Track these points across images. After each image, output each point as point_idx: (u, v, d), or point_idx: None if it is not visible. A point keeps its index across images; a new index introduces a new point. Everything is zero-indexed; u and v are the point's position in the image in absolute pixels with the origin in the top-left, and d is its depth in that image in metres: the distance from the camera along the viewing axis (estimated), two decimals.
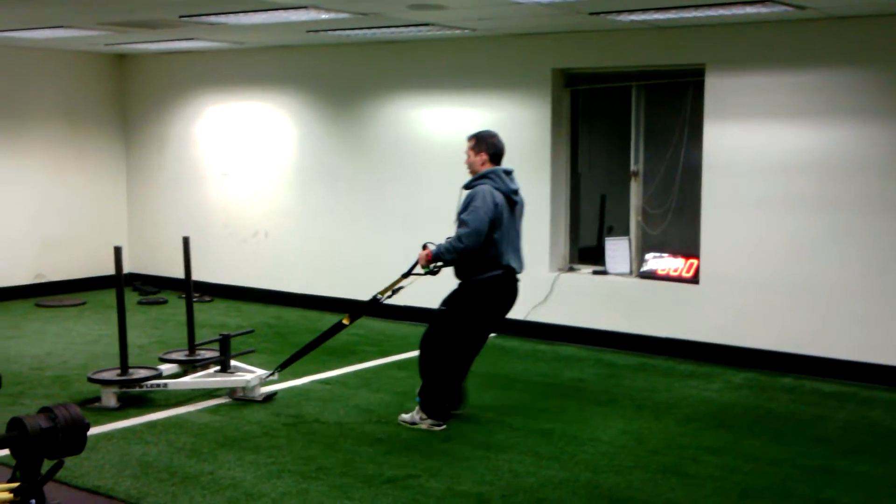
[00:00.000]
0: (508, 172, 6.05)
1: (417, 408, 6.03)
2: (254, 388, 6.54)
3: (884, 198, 7.11)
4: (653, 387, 7.16)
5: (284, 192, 10.37)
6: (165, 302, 10.52)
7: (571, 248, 8.95)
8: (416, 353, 8.15)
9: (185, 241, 7.21)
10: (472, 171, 6.08)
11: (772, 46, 7.52)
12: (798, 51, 7.43)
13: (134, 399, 6.54)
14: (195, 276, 7.63)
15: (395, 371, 7.63)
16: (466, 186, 6.03)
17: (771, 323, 7.69)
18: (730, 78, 7.71)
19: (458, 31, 8.41)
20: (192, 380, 6.71)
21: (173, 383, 6.62)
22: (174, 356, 7.10)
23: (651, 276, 8.36)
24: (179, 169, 11.17)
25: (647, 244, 8.57)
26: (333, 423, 6.11)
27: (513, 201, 5.99)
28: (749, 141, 7.66)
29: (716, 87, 7.78)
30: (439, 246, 5.90)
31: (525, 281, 8.82)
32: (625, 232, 8.65)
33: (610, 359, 8.02)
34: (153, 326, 9.22)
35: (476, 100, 9.00)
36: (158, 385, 6.53)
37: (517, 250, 6.08)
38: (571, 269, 8.85)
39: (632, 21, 7.41)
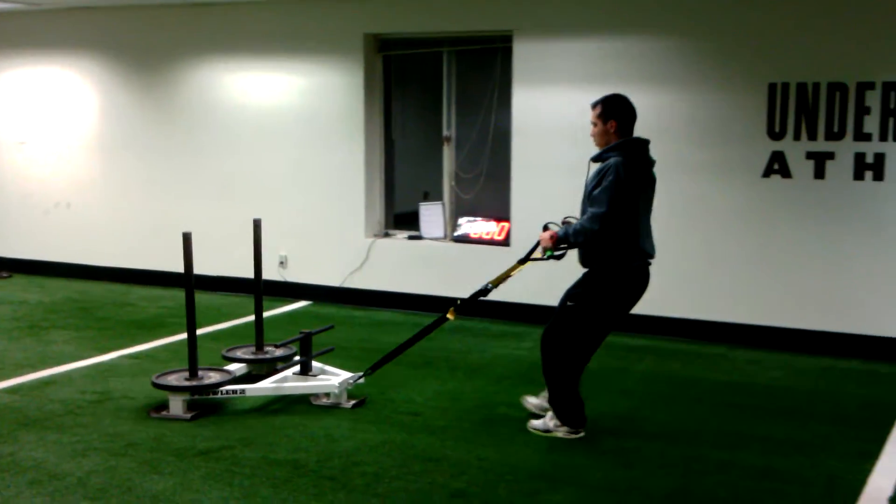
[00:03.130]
0: (646, 142, 5.23)
1: (551, 413, 5.30)
2: (341, 392, 5.78)
3: (683, 162, 7.46)
4: (467, 348, 7.30)
5: (88, 162, 9.92)
6: None
7: (387, 213, 8.98)
8: (229, 323, 8.11)
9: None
10: (601, 143, 5.18)
11: (578, 13, 7.73)
12: (602, 18, 7.66)
13: None
14: None
15: (207, 342, 7.42)
16: (596, 158, 5.19)
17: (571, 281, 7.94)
18: (537, 44, 7.87)
19: None
20: (273, 385, 5.83)
21: (252, 389, 5.77)
22: (240, 353, 6.31)
23: (465, 239, 8.49)
24: None
25: (461, 208, 8.69)
26: (143, 398, 5.92)
27: (650, 177, 5.21)
28: (556, 106, 7.86)
29: (523, 53, 7.93)
30: (566, 227, 5.13)
31: (340, 247, 8.86)
32: (439, 197, 8.74)
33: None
34: None
35: (288, 65, 8.85)
36: (235, 392, 5.69)
37: (650, 233, 5.24)
38: (387, 235, 8.88)
39: None
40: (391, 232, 8.92)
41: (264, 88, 8.99)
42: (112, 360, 6.87)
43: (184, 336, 7.60)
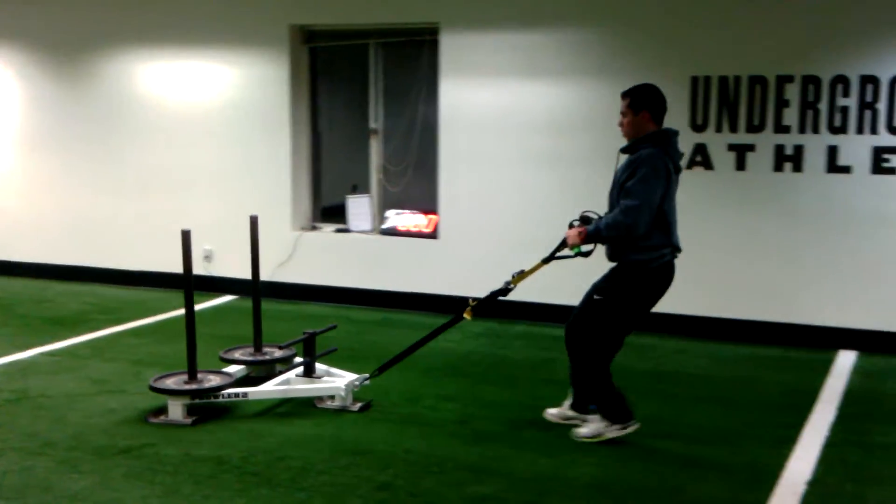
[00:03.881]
0: (677, 133, 5.05)
1: (596, 416, 5.06)
2: (347, 395, 5.56)
3: (607, 153, 7.50)
4: (396, 341, 7.23)
5: (3, 155, 9.65)
6: None
7: (314, 206, 8.91)
8: (155, 318, 7.97)
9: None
10: (631, 134, 4.97)
11: (504, 5, 7.74)
12: (528, 11, 7.68)
13: None
14: None
15: (130, 339, 7.32)
16: (627, 149, 5.00)
17: (507, 274, 7.96)
18: (464, 36, 7.87)
19: None
20: (276, 388, 5.63)
21: (255, 392, 5.54)
22: (238, 355, 6.09)
23: (392, 232, 8.46)
24: None
25: (389, 201, 8.66)
26: (62, 396, 5.78)
27: (678, 168, 4.98)
28: (484, 98, 7.87)
29: (450, 46, 7.92)
30: (597, 222, 4.89)
31: (267, 240, 8.71)
32: (367, 190, 8.69)
33: (355, 315, 8.08)
34: None
35: (212, 56, 8.73)
36: (237, 395, 5.46)
37: (676, 226, 5.02)
38: (314, 228, 8.82)
39: None
40: (318, 225, 8.85)
41: (188, 80, 8.84)
42: (30, 357, 6.70)
43: (108, 332, 7.51)
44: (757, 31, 7.02)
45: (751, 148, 7.09)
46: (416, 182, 8.57)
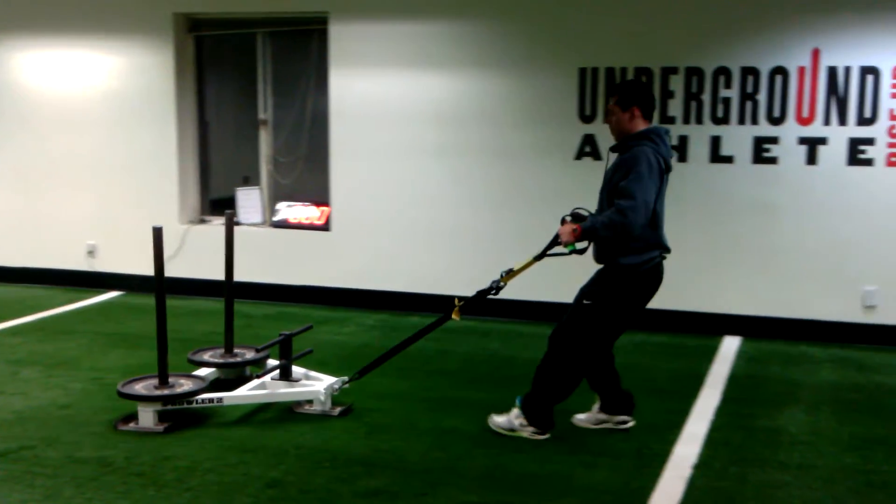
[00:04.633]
0: (668, 131, 4.89)
1: (517, 411, 4.97)
2: (326, 399, 5.32)
3: (495, 145, 7.57)
4: None
5: None
6: None
7: (202, 199, 8.71)
8: (34, 316, 7.68)
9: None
10: (620, 132, 4.83)
11: None
12: (418, 1, 7.65)
13: None
14: None
15: (8, 338, 7.04)
16: (617, 148, 4.87)
17: (399, 266, 7.97)
18: (352, 26, 7.79)
19: None
20: (253, 392, 5.34)
21: (230, 398, 5.25)
22: (207, 357, 5.84)
23: (284, 225, 8.34)
24: None
25: (280, 193, 8.53)
26: None
27: (669, 167, 4.84)
28: (375, 89, 7.81)
29: (339, 36, 7.84)
30: (593, 220, 4.72)
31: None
32: (257, 181, 8.55)
33: (246, 310, 7.92)
34: None
35: (94, 44, 8.46)
36: (211, 400, 5.17)
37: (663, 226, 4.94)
38: (203, 221, 8.63)
39: None
40: (207, 218, 8.67)
41: (69, 69, 8.55)
42: None
43: None
44: (642, 23, 7.13)
45: None
46: (307, 174, 8.46)
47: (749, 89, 6.95)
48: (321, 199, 8.25)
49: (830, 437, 5.03)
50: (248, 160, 8.67)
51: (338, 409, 5.34)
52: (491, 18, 7.49)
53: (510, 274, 5.15)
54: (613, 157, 4.91)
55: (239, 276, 8.28)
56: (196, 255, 8.41)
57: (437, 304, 7.77)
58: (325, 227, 8.18)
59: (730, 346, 6.92)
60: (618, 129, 4.84)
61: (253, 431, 5.07)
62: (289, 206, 8.41)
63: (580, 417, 5.21)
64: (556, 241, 4.93)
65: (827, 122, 6.83)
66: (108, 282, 8.67)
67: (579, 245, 4.84)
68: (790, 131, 6.91)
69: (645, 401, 5.59)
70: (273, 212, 8.46)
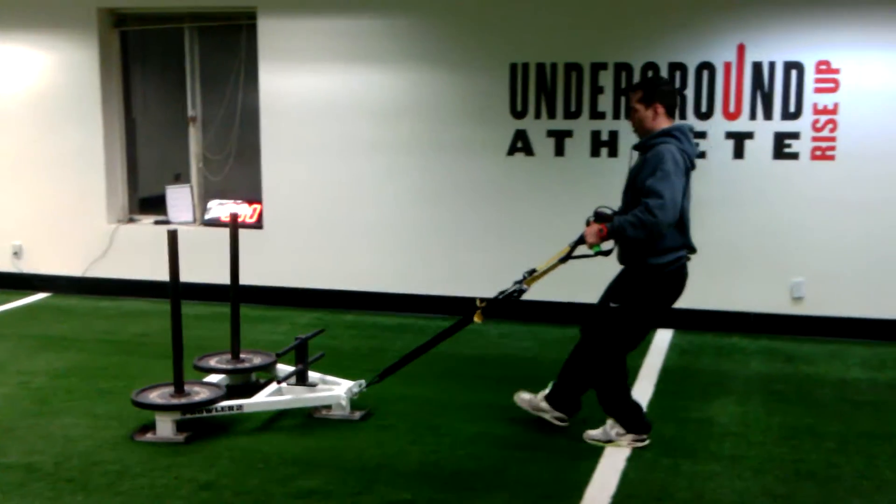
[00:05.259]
0: (692, 129, 4.78)
1: (611, 422, 4.81)
2: (347, 403, 5.19)
3: (429, 141, 7.56)
4: (221, 335, 7.04)
5: None
6: None
7: (131, 197, 8.56)
8: None
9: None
10: (643, 129, 4.72)
11: None
12: None
13: None
14: None
15: None
16: (641, 146, 4.74)
17: (334, 263, 7.92)
18: (282, 21, 7.72)
19: None
20: (275, 399, 5.20)
21: (251, 405, 5.09)
22: (214, 363, 5.63)
23: (215, 223, 8.23)
24: None
25: (210, 191, 8.42)
26: None
27: (694, 165, 4.69)
28: (305, 85, 7.75)
29: (268, 31, 7.75)
30: (620, 220, 4.56)
31: (80, 234, 8.37)
32: (187, 179, 8.43)
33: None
34: None
35: (15, 39, 8.25)
36: (231, 408, 5.00)
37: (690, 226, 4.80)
38: (132, 220, 8.48)
39: None
40: (136, 217, 8.52)
41: None
42: None
43: None
44: (572, 19, 7.17)
45: (569, 134, 7.26)
46: (238, 171, 8.36)
47: (677, 84, 7.03)
48: (253, 196, 8.16)
49: (760, 427, 5.12)
50: (177, 158, 8.53)
51: (358, 414, 5.22)
52: (422, 14, 7.47)
53: (533, 276, 5.02)
54: (635, 155, 4.80)
55: (168, 276, 8.20)
56: (125, 254, 8.27)
57: (373, 302, 7.77)
58: (258, 225, 8.09)
59: (662, 338, 7.01)
60: (641, 126, 4.73)
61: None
62: (220, 203, 8.30)
63: (523, 397, 5.18)
64: (580, 242, 4.82)
65: (753, 116, 6.94)
66: (35, 283, 8.47)
67: (605, 246, 4.71)
68: (717, 126, 7.01)
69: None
70: (204, 210, 8.34)
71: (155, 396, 5.02)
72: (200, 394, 5.07)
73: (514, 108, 7.33)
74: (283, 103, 7.80)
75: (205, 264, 8.12)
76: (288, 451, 4.75)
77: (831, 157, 6.85)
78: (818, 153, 6.87)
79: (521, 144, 7.37)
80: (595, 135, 7.21)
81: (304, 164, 7.83)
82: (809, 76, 6.83)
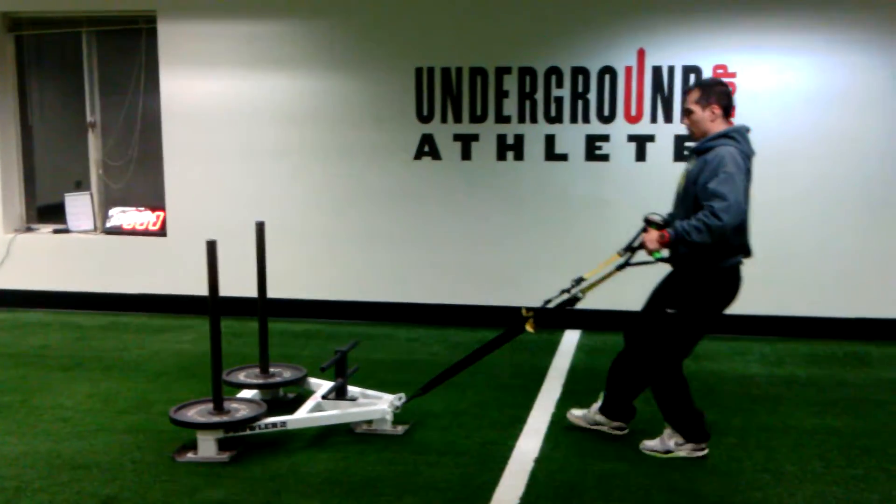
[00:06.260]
0: (749, 131, 4.62)
1: (669, 431, 4.73)
2: (385, 418, 5.03)
3: (336, 145, 7.52)
4: (123, 345, 6.94)
5: None
6: None
7: (28, 206, 8.32)
8: None
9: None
10: (700, 131, 4.58)
11: None
12: (252, 1, 7.52)
13: None
14: None
15: None
16: (698, 150, 4.57)
17: (241, 269, 7.79)
18: (183, 25, 7.60)
19: None
20: (321, 414, 5.01)
21: (294, 421, 4.88)
22: (243, 377, 5.42)
23: (117, 231, 8.06)
24: None
25: (111, 198, 8.23)
26: None
27: (750, 168, 4.56)
28: (207, 89, 7.64)
29: (169, 34, 7.62)
30: (683, 225, 4.38)
31: None
32: (86, 186, 8.22)
33: (78, 321, 7.64)
34: None
35: None
36: (275, 425, 4.80)
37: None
38: (29, 230, 8.24)
39: None
40: (34, 226, 8.28)
41: None
42: None
43: None
44: (476, 23, 7.22)
45: (475, 138, 7.30)
46: (140, 177, 8.20)
47: (580, 89, 7.13)
48: (156, 203, 8.00)
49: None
50: (77, 165, 8.32)
51: (401, 428, 5.07)
52: (326, 18, 7.44)
53: (590, 284, 4.88)
54: (692, 158, 4.65)
55: (70, 286, 8.02)
56: (23, 265, 8.04)
57: (280, 308, 7.68)
58: (162, 233, 7.93)
59: (570, 339, 7.09)
60: (697, 128, 4.61)
61: (83, 447, 4.85)
62: (122, 211, 8.12)
63: (576, 413, 5.11)
64: (631, 249, 4.75)
65: (654, 119, 7.08)
66: None
67: (665, 252, 4.58)
68: (620, 129, 7.13)
69: (488, 396, 5.68)
70: (105, 218, 8.15)
71: (194, 414, 4.80)
72: (241, 410, 4.86)
73: (420, 113, 7.34)
74: (185, 108, 7.67)
75: (106, 273, 7.96)
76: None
77: None
78: None
79: (427, 148, 7.38)
80: (501, 138, 7.27)
81: (207, 169, 7.72)
82: None
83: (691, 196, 4.51)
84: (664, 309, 4.64)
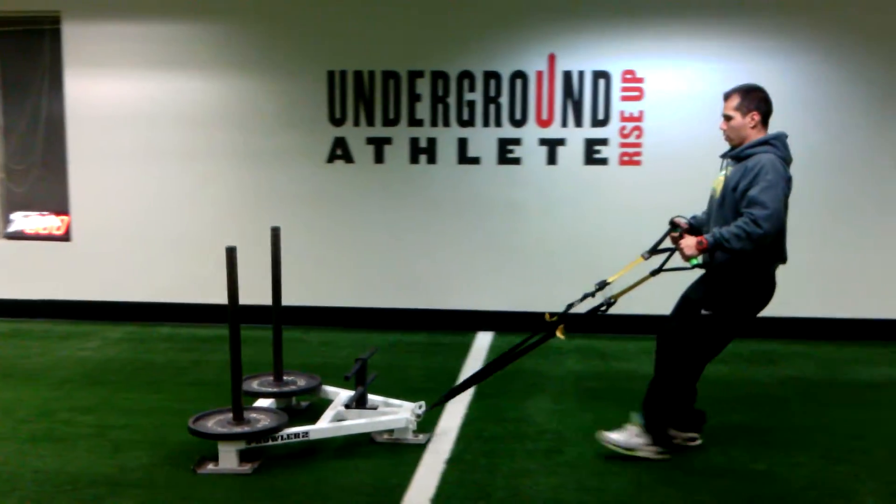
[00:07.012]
0: (786, 137, 4.57)
1: (637, 430, 4.67)
2: (407, 427, 4.91)
3: (245, 148, 7.44)
4: (25, 353, 6.75)
5: None
6: None
7: None
8: None
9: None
10: (739, 138, 4.54)
11: None
12: (159, 0, 7.39)
13: None
14: None
15: None
16: (738, 156, 4.52)
17: (147, 275, 7.67)
18: (88, 26, 7.44)
19: None
20: (344, 424, 4.87)
21: (317, 431, 4.74)
22: (257, 385, 5.30)
23: (19, 236, 7.84)
24: None
25: (14, 202, 8.00)
26: None
27: (790, 175, 4.51)
28: (112, 91, 7.49)
29: (73, 36, 7.45)
30: (721, 231, 4.35)
31: None
32: None
33: None
34: None
35: None
36: (297, 435, 4.65)
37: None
38: None
39: None
40: None
41: None
42: None
43: None
44: (388, 27, 7.22)
45: (388, 141, 7.29)
46: (43, 181, 7.98)
47: (492, 93, 7.18)
48: (60, 207, 7.80)
49: (574, 423, 5.26)
50: None
51: (423, 437, 4.96)
52: (236, 20, 7.35)
53: (622, 291, 4.81)
54: (729, 164, 4.62)
55: None
56: None
57: (188, 313, 7.56)
58: (66, 238, 7.74)
59: (483, 341, 7.12)
60: (736, 134, 4.58)
61: None
62: (25, 215, 7.90)
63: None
64: (655, 251, 4.75)
65: (564, 123, 7.17)
66: None
67: (701, 258, 4.53)
68: (531, 133, 7.20)
69: (401, 398, 5.65)
70: (7, 222, 7.91)
71: (213, 425, 4.64)
72: (262, 421, 4.72)
73: (332, 116, 7.31)
74: (90, 110, 7.51)
75: (8, 279, 7.74)
76: (97, 471, 4.54)
77: (637, 163, 7.15)
78: (626, 158, 7.16)
79: (340, 152, 7.35)
80: (414, 142, 7.28)
81: (113, 173, 7.56)
82: (616, 85, 7.11)
83: (730, 202, 4.49)
84: (699, 310, 4.59)
